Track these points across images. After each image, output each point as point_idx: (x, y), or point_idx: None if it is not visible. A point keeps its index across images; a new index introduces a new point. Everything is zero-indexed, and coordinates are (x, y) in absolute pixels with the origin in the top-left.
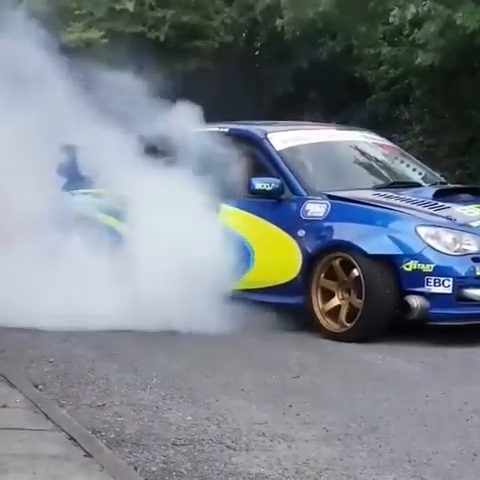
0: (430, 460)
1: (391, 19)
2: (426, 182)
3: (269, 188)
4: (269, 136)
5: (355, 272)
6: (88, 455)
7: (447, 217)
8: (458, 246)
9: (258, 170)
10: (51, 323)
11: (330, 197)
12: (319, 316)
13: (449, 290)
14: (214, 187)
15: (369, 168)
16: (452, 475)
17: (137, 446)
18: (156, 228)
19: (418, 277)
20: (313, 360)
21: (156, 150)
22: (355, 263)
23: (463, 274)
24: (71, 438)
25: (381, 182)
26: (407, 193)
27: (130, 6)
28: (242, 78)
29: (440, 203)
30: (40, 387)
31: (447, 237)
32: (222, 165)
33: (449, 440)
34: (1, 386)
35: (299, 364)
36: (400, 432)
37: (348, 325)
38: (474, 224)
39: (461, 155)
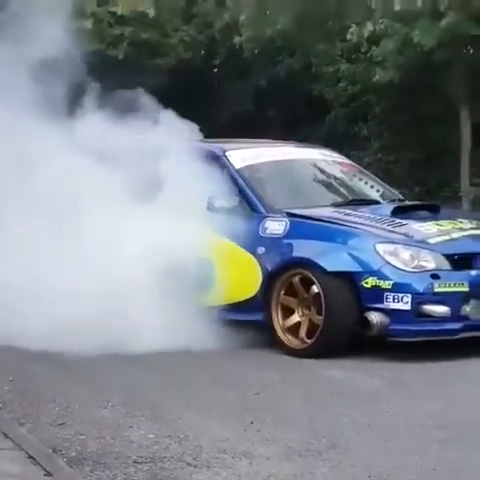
0: (390, 475)
1: (349, 36)
2: (384, 199)
3: (228, 206)
4: (228, 154)
5: (315, 289)
6: (48, 474)
7: (405, 234)
8: (416, 263)
9: (217, 188)
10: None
11: (289, 214)
12: (280, 332)
13: (408, 306)
14: (174, 203)
15: (328, 186)
16: None
17: (98, 464)
18: (118, 241)
19: (377, 293)
20: (274, 376)
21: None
22: (315, 280)
23: (421, 290)
24: (30, 457)
25: (340, 199)
26: (365, 210)
27: (88, 23)
28: (201, 95)
29: (398, 220)
30: None
31: (405, 254)
32: (182, 182)
33: (409, 455)
34: None
35: (260, 381)
36: (361, 448)
37: (308, 341)
38: (432, 241)
39: (419, 172)
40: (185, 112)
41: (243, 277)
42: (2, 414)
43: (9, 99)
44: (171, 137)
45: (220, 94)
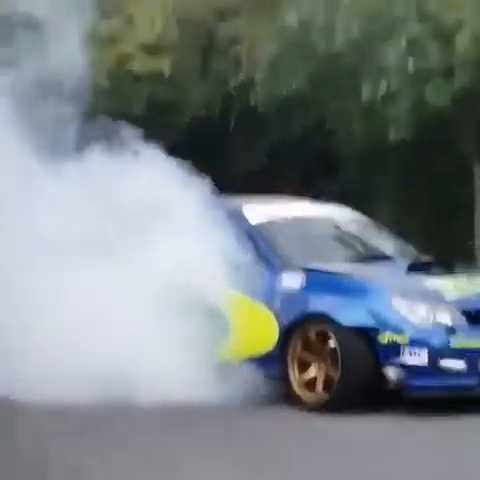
0: None
1: (363, 96)
2: (400, 255)
3: (244, 261)
4: (244, 209)
5: (331, 343)
6: None
7: (421, 289)
8: (432, 318)
9: (233, 243)
10: None
11: (305, 269)
12: (296, 387)
13: (424, 361)
14: (190, 257)
15: (343, 241)
16: None
17: None
18: (132, 288)
19: (394, 348)
20: (289, 432)
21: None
22: (331, 334)
23: (438, 346)
24: None
25: (355, 255)
26: (381, 266)
27: (105, 82)
28: (216, 151)
29: (414, 276)
30: None
31: (421, 309)
32: (198, 236)
33: None
34: None
35: (274, 437)
36: None
37: (325, 396)
38: (448, 296)
39: (433, 228)
40: (200, 168)
41: (259, 331)
42: None
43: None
44: (187, 192)
45: (235, 150)
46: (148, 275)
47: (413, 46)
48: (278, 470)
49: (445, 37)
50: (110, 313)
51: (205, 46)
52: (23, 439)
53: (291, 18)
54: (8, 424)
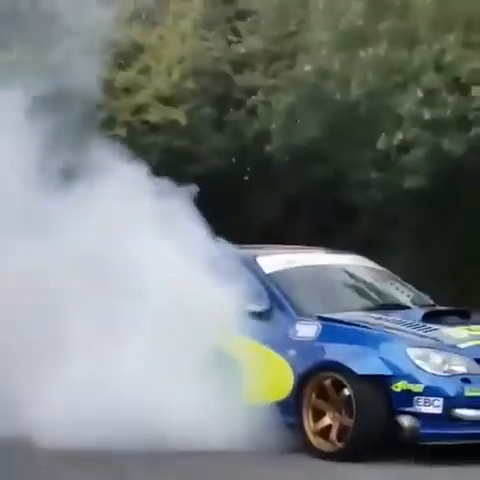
0: None
1: (378, 145)
2: (415, 304)
3: (259, 310)
4: (258, 259)
5: (346, 392)
6: None
7: (436, 339)
8: (447, 367)
9: (248, 292)
10: None
11: (320, 318)
12: (310, 435)
13: (439, 410)
14: (207, 308)
15: (359, 290)
16: None
17: None
18: (154, 336)
19: (408, 397)
20: (303, 471)
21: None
22: (346, 383)
23: (452, 394)
24: None
25: (371, 304)
26: (396, 315)
27: (122, 132)
28: (231, 202)
29: (429, 325)
30: None
31: (436, 358)
32: (214, 286)
33: None
34: None
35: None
36: None
37: (339, 445)
38: (462, 345)
39: (449, 277)
40: (216, 217)
41: (274, 379)
42: None
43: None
44: (203, 241)
45: (250, 200)
46: (169, 325)
47: (429, 96)
48: None
49: (461, 87)
50: (138, 365)
51: (221, 96)
52: None
53: (307, 68)
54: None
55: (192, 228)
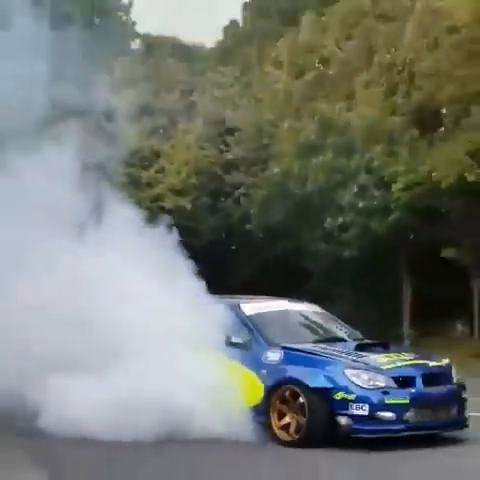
0: None
1: (326, 226)
2: (350, 338)
3: (240, 341)
4: (241, 305)
5: (300, 399)
6: None
7: (364, 362)
8: (372, 383)
9: (233, 328)
10: None
11: (283, 347)
12: (276, 430)
13: (366, 413)
14: (203, 341)
15: (310, 328)
16: None
17: None
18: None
19: (345, 403)
20: (269, 460)
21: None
22: (300, 393)
23: (375, 402)
24: None
25: (318, 338)
26: (337, 346)
27: (144, 215)
28: (221, 264)
29: (359, 353)
30: None
31: (364, 376)
32: (207, 325)
33: None
34: None
35: (261, 463)
36: None
37: (296, 436)
38: (383, 368)
39: (374, 319)
40: (211, 276)
41: (251, 390)
42: None
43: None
44: (202, 294)
45: (236, 264)
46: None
47: (362, 191)
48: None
49: (385, 185)
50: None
51: (215, 190)
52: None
53: (276, 171)
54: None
55: (195, 284)
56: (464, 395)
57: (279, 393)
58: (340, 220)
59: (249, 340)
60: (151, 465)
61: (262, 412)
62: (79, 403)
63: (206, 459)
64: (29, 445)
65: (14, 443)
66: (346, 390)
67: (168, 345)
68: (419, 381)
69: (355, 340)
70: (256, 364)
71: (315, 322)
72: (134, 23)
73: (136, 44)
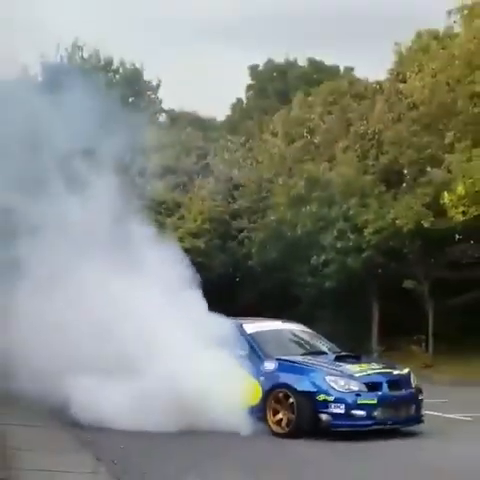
0: None
1: (312, 262)
2: (330, 351)
3: (243, 353)
4: (244, 325)
5: (291, 400)
6: None
7: (341, 371)
8: (347, 387)
9: (238, 343)
10: None
11: (277, 359)
12: (271, 424)
13: (343, 411)
14: (216, 354)
15: (299, 343)
16: None
17: None
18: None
19: (325, 404)
20: (267, 448)
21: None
22: (291, 395)
23: (350, 402)
24: None
25: (305, 351)
26: (320, 357)
27: None
28: (228, 292)
29: (338, 363)
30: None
31: (341, 382)
32: (219, 342)
33: None
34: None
35: (258, 450)
36: None
37: (287, 429)
38: (356, 375)
39: (348, 336)
40: (222, 302)
41: (253, 392)
42: (116, 466)
43: None
44: (212, 317)
45: (240, 292)
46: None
47: (340, 235)
48: (261, 460)
49: (358, 230)
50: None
51: (224, 233)
52: None
53: (272, 218)
54: None
55: (206, 310)
56: (420, 397)
57: (274, 395)
58: (323, 257)
59: (250, 353)
60: (174, 448)
61: (260, 410)
62: (115, 400)
63: (215, 444)
64: (75, 433)
65: (61, 432)
66: (327, 393)
67: (191, 354)
68: (385, 386)
69: (334, 353)
70: (256, 372)
71: (303, 338)
72: (161, 101)
73: (163, 117)
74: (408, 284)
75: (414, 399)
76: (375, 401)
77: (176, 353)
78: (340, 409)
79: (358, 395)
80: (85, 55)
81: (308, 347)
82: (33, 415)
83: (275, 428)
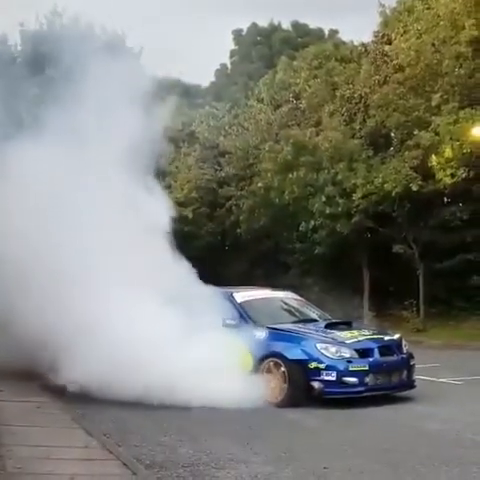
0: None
1: (300, 228)
2: (320, 318)
3: (233, 323)
4: (233, 294)
5: (282, 369)
6: (133, 473)
7: (332, 338)
8: (339, 354)
9: (228, 312)
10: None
11: (267, 327)
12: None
13: (334, 378)
14: (205, 323)
15: (289, 311)
16: None
17: (161, 468)
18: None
19: (317, 371)
20: (260, 415)
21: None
22: (282, 364)
23: (342, 369)
24: (124, 464)
25: (295, 319)
26: (310, 325)
27: None
28: (218, 262)
29: (328, 330)
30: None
31: (332, 349)
32: (208, 310)
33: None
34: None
35: (253, 417)
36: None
37: (279, 398)
38: (347, 341)
39: (340, 302)
40: (211, 271)
41: (244, 360)
42: (108, 439)
43: None
44: (203, 286)
45: (229, 261)
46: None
47: (329, 200)
48: (253, 429)
49: (347, 194)
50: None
51: (211, 201)
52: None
53: (259, 185)
54: None
55: (197, 279)
56: (412, 362)
57: (265, 364)
58: (312, 223)
59: (240, 322)
60: (167, 419)
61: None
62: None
63: (209, 415)
64: (65, 408)
65: (51, 407)
66: (318, 360)
67: (181, 325)
68: (376, 352)
69: (325, 320)
70: (247, 341)
71: (293, 306)
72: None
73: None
74: (398, 248)
75: (406, 364)
76: (367, 367)
77: (165, 324)
78: (332, 376)
79: (349, 362)
80: (65, 22)
81: (298, 315)
82: (21, 390)
83: (267, 397)
